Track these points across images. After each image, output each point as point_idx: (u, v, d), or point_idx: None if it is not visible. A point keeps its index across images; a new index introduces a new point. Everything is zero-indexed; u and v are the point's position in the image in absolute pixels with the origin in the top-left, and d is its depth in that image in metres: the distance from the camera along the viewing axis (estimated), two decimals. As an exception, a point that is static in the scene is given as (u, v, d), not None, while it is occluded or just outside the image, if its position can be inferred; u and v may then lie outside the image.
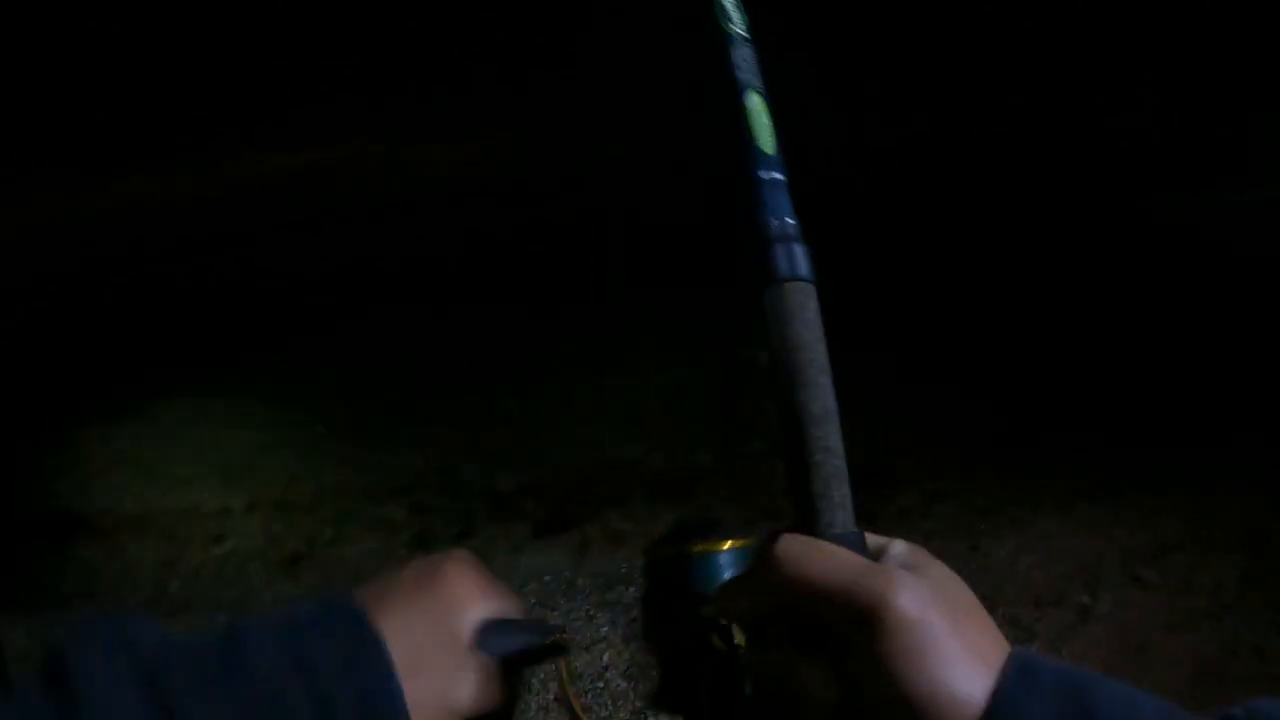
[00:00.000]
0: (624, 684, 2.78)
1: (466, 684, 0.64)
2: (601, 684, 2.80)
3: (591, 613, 3.06)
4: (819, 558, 0.53)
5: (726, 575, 0.71)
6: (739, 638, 0.70)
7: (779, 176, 0.59)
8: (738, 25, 0.61)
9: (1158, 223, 5.88)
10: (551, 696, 2.66)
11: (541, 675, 2.78)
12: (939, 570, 0.55)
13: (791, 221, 0.58)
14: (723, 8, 0.61)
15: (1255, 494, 3.41)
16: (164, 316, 5.77)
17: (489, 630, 0.68)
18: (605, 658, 2.87)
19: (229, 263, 7.82)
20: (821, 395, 0.55)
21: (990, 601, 2.97)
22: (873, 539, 0.57)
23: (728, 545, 0.73)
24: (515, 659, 0.70)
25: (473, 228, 8.13)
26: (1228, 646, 2.77)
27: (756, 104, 0.60)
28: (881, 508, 3.38)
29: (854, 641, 0.50)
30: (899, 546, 0.56)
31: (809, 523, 0.55)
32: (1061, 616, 2.95)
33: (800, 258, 0.57)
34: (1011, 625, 2.89)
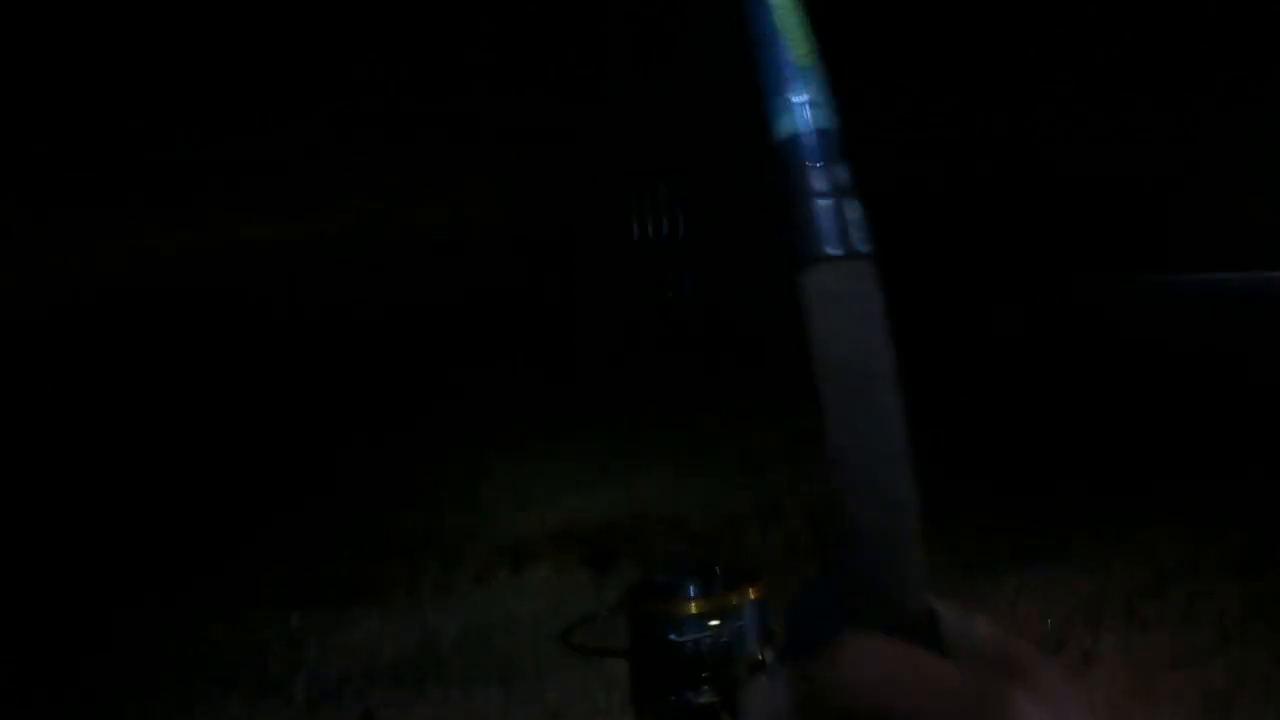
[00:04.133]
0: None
1: None
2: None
3: (589, 680, 3.01)
4: (898, 665, 0.36)
5: (706, 643, 0.65)
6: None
7: (820, 99, 0.41)
8: None
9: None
10: None
11: None
12: (1048, 670, 0.39)
13: (840, 168, 0.41)
14: None
15: (1249, 521, 3.40)
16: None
17: None
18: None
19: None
20: (888, 423, 0.39)
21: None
22: (945, 615, 0.41)
23: (702, 607, 0.65)
24: None
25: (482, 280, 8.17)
26: (1234, 677, 2.72)
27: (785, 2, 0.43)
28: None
29: None
30: (986, 632, 0.41)
31: (869, 604, 0.39)
32: (1065, 661, 2.90)
33: (854, 220, 0.41)
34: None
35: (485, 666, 3.14)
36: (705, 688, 0.66)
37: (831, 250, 0.39)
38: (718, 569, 0.68)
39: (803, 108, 0.40)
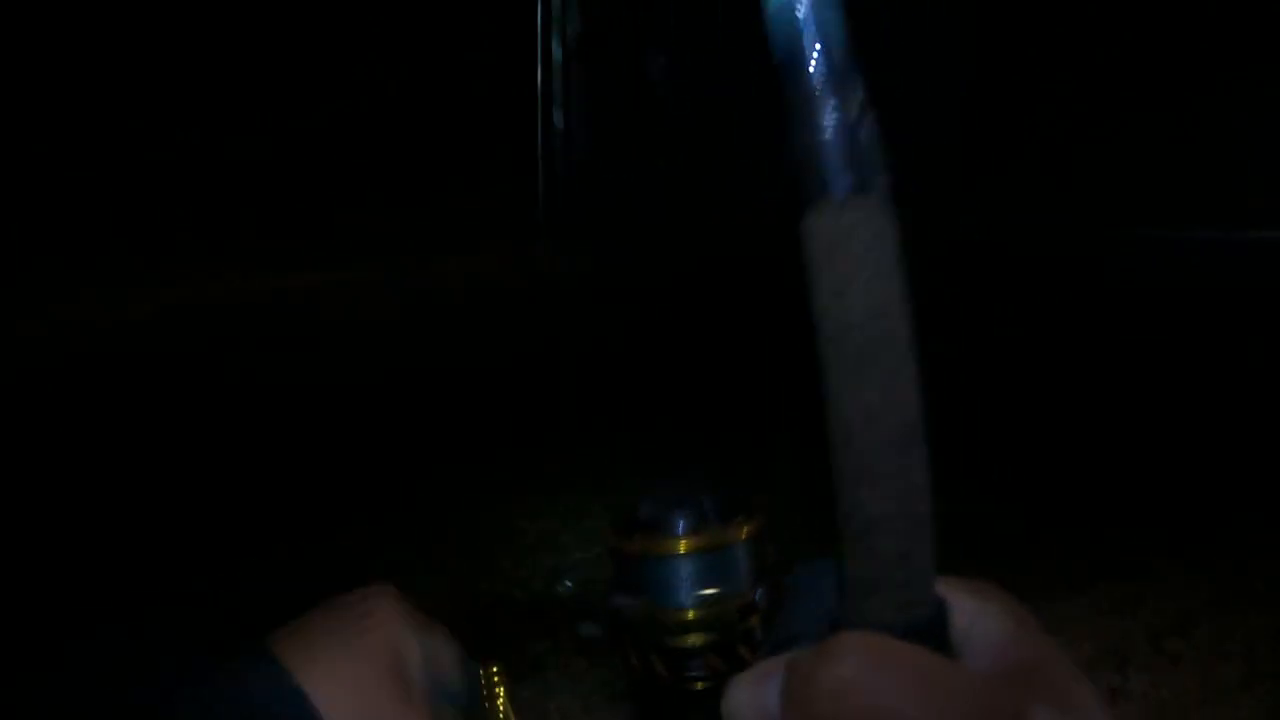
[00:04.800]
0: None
1: None
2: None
3: None
4: (908, 670, 0.32)
5: (687, 585, 0.62)
6: (694, 669, 0.62)
7: (836, 23, 0.32)
8: None
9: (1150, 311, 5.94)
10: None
11: None
12: (1067, 674, 0.36)
13: (850, 74, 0.32)
14: None
15: (1277, 551, 3.34)
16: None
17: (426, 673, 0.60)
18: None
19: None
20: (903, 394, 0.34)
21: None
22: (957, 605, 0.39)
23: (689, 545, 0.60)
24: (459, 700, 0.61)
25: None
26: (1266, 712, 2.66)
27: None
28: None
29: None
30: (1000, 626, 0.38)
31: (873, 597, 0.35)
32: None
33: (867, 147, 0.33)
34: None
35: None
36: (693, 631, 0.62)
37: (839, 187, 0.32)
38: (708, 502, 0.64)
39: (811, 27, 0.31)
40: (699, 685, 0.63)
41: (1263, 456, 4.00)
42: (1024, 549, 3.68)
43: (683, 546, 0.62)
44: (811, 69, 0.31)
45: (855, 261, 0.32)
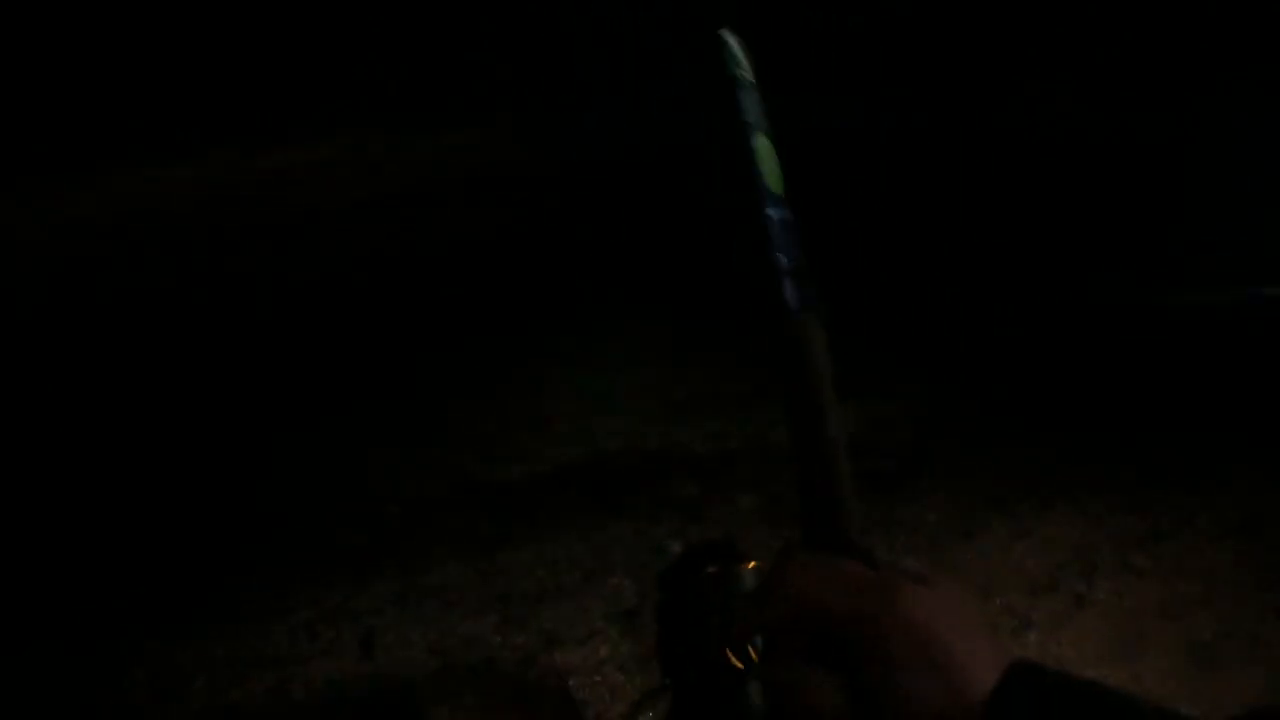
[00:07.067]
0: (621, 677, 2.79)
1: None
2: (599, 677, 2.81)
3: (585, 604, 3.08)
4: (825, 570, 0.54)
5: (718, 599, 0.76)
6: (755, 655, 0.74)
7: (788, 215, 0.62)
8: (746, 71, 0.65)
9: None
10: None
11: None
12: (945, 581, 0.55)
13: (800, 257, 0.61)
14: (732, 54, 0.65)
15: (1246, 479, 3.43)
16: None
17: None
18: (602, 651, 2.88)
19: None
20: (833, 421, 0.58)
21: (986, 590, 2.99)
22: (883, 559, 0.57)
23: (741, 567, 0.78)
24: None
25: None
26: (1221, 631, 2.77)
27: (765, 146, 0.63)
28: (881, 497, 3.38)
29: (861, 652, 0.51)
30: (907, 562, 0.57)
31: (820, 541, 0.57)
32: (1057, 604, 2.95)
33: (810, 291, 0.60)
34: (1007, 614, 2.89)
35: (483, 593, 3.21)
36: (717, 637, 0.78)
37: (793, 306, 0.59)
38: (727, 549, 0.83)
39: (777, 220, 0.61)
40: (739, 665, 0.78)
41: (1242, 391, 4.06)
42: (1001, 449, 3.77)
43: (712, 570, 0.82)
44: (781, 252, 0.60)
45: (806, 347, 0.59)
